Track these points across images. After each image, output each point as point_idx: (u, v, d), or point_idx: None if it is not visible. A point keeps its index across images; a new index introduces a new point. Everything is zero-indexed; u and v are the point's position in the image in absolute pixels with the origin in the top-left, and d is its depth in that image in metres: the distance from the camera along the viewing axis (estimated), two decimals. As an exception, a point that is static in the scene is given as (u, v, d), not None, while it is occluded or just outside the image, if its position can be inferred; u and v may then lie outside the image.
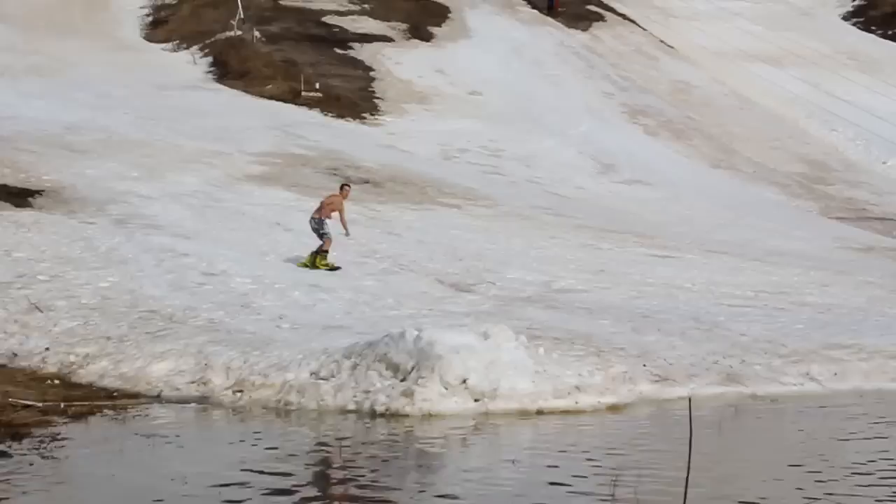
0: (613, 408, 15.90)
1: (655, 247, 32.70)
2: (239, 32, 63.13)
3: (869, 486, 11.27)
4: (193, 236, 27.02)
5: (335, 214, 25.93)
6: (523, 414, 15.23)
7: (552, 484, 11.19)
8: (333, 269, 25.56)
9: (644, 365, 17.73)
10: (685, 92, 67.41)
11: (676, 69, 71.19)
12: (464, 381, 15.46)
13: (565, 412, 15.48)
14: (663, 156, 55.01)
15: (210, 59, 60.84)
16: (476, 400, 15.40)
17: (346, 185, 27.82)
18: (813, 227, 44.33)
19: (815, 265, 31.70)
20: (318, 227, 25.86)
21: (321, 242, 25.82)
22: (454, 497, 10.62)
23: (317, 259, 25.67)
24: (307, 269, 25.45)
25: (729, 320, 21.79)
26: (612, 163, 51.66)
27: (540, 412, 15.39)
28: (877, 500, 10.60)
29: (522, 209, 38.40)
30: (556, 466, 12.17)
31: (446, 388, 15.37)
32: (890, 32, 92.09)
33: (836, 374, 18.17)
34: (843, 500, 10.57)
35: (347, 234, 26.26)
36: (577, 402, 15.83)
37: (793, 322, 22.12)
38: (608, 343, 18.74)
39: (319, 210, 26.06)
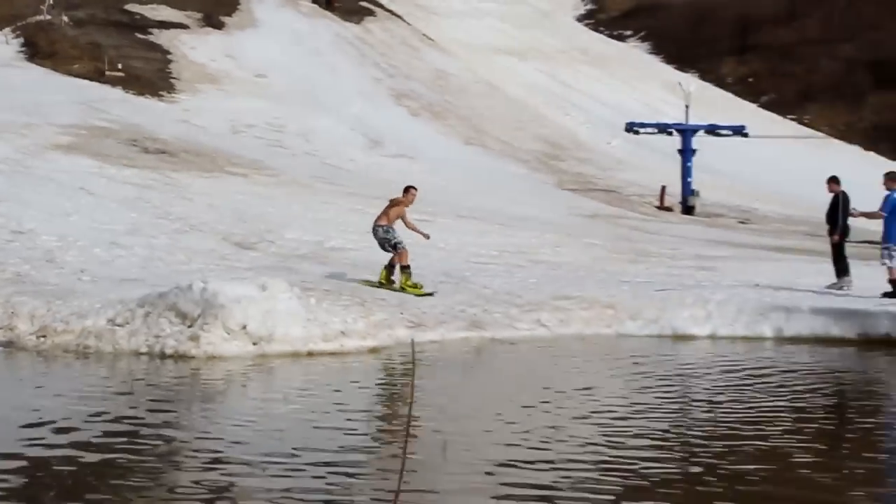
0: (374, 350, 16.00)
1: (415, 212, 32.78)
2: (48, 17, 61.28)
3: (583, 416, 11.61)
4: (4, 199, 26.14)
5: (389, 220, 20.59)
6: (296, 356, 15.23)
7: (310, 419, 11.21)
8: (425, 293, 19.44)
9: (401, 313, 17.87)
10: (443, 79, 68.00)
11: (436, 59, 71.73)
12: (244, 327, 15.39)
13: (332, 354, 15.53)
14: (424, 134, 55.48)
15: (21, 39, 58.85)
16: (254, 343, 15.34)
17: (413, 188, 21.06)
18: (549, 196, 45.30)
19: (550, 229, 32.43)
20: (387, 235, 20.08)
21: (392, 254, 20.05)
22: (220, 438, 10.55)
23: (402, 280, 19.73)
24: (381, 287, 19.74)
25: (475, 275, 22.11)
26: (380, 139, 51.87)
27: (310, 354, 15.41)
28: (572, 419, 10.94)
29: (301, 178, 38.26)
30: (316, 401, 12.19)
31: (228, 334, 15.27)
32: (616, 33, 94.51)
33: (561, 320, 18.60)
34: (551, 427, 10.86)
35: (427, 235, 20.91)
36: (342, 346, 15.89)
37: (528, 277, 22.56)
38: (371, 294, 18.83)
39: (385, 215, 20.36)
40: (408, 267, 19.66)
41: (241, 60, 62.24)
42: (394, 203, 20.39)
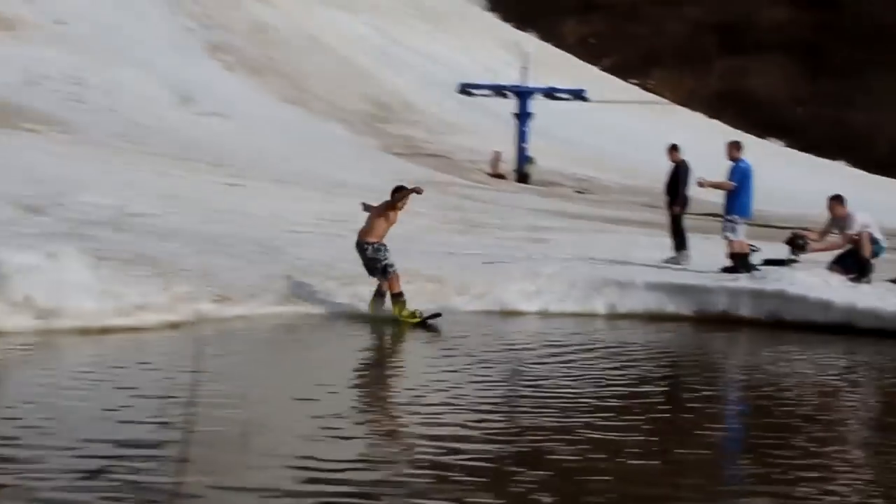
0: (175, 325, 15.62)
1: (227, 175, 32.49)
2: None
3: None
4: None
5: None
6: (86, 332, 14.76)
7: (90, 402, 10.83)
8: (422, 320, 16.73)
9: (207, 286, 17.49)
10: (263, 32, 67.22)
11: (256, 10, 70.84)
12: (28, 300, 14.86)
13: (128, 330, 15.10)
14: (239, 91, 54.85)
15: None
16: (40, 318, 14.83)
17: (404, 188, 17.46)
18: (374, 161, 45.19)
19: (374, 197, 32.16)
20: (377, 255, 16.88)
21: (381, 281, 17.04)
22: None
23: (395, 310, 16.77)
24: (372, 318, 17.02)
25: (290, 245, 21.83)
26: (191, 96, 51.07)
27: (104, 330, 14.95)
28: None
29: (101, 137, 37.41)
30: (100, 382, 11.79)
31: (11, 306, 14.74)
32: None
33: (382, 295, 18.47)
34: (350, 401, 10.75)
35: (419, 190, 17.18)
36: (140, 321, 15.49)
37: (348, 248, 22.33)
38: (173, 265, 18.36)
39: (372, 229, 17.09)
40: (401, 294, 16.73)
41: (39, 4, 60.47)
42: (384, 209, 17.10)
